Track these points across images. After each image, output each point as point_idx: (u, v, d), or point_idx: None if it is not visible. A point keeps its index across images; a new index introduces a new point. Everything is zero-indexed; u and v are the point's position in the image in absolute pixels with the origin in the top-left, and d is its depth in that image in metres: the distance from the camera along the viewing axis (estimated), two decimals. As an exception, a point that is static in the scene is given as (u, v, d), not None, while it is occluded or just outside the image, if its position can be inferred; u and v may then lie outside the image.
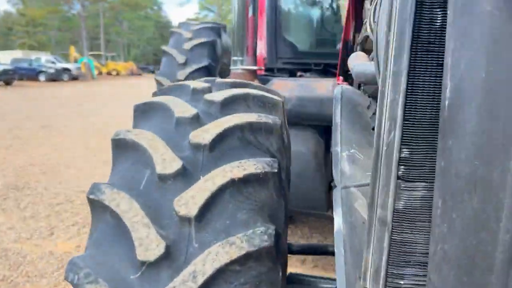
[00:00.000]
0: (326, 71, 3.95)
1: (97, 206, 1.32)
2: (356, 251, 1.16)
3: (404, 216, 0.79)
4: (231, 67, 3.66)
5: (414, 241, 0.80)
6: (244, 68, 3.53)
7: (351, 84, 2.84)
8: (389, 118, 0.79)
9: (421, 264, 0.80)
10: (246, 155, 1.44)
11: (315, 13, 4.53)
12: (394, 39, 0.78)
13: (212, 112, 1.56)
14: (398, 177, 0.78)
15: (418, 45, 0.74)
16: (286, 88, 3.39)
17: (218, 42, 5.31)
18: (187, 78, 4.75)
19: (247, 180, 1.32)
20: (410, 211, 0.79)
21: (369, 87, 1.90)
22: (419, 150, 0.77)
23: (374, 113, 1.46)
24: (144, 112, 1.65)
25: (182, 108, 1.52)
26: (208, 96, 1.59)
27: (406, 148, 0.77)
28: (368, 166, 1.31)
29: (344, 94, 1.45)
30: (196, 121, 1.49)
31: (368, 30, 1.50)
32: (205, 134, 1.40)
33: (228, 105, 1.59)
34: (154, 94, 1.92)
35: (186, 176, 1.32)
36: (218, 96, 1.59)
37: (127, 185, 1.33)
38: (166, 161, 1.32)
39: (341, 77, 2.90)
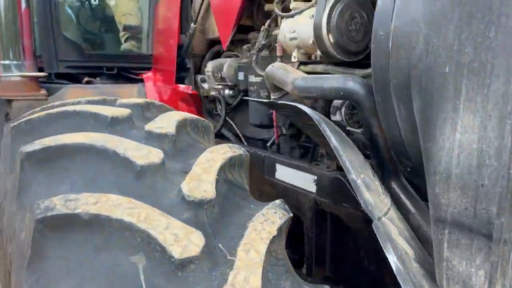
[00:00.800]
0: (119, 76, 3.45)
1: None
2: (415, 285, 1.07)
3: None
4: (2, 74, 2.73)
5: None
6: (25, 75, 2.70)
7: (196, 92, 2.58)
8: None
9: None
10: (239, 200, 1.11)
11: (99, 9, 3.88)
12: None
13: (167, 148, 1.12)
14: None
15: None
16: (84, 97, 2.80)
17: None
18: None
19: (274, 235, 1.02)
20: None
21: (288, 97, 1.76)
22: None
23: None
24: (47, 162, 1.02)
25: (137, 151, 1.02)
26: (154, 129, 1.13)
27: None
28: (378, 190, 1.22)
29: (317, 113, 1.29)
30: (163, 166, 1.03)
31: (324, 40, 1.37)
32: (202, 185, 0.99)
33: (178, 136, 1.18)
34: (14, 129, 1.23)
35: (205, 251, 0.91)
36: (166, 127, 1.15)
37: None
38: (180, 237, 0.86)
39: (182, 85, 2.59)
